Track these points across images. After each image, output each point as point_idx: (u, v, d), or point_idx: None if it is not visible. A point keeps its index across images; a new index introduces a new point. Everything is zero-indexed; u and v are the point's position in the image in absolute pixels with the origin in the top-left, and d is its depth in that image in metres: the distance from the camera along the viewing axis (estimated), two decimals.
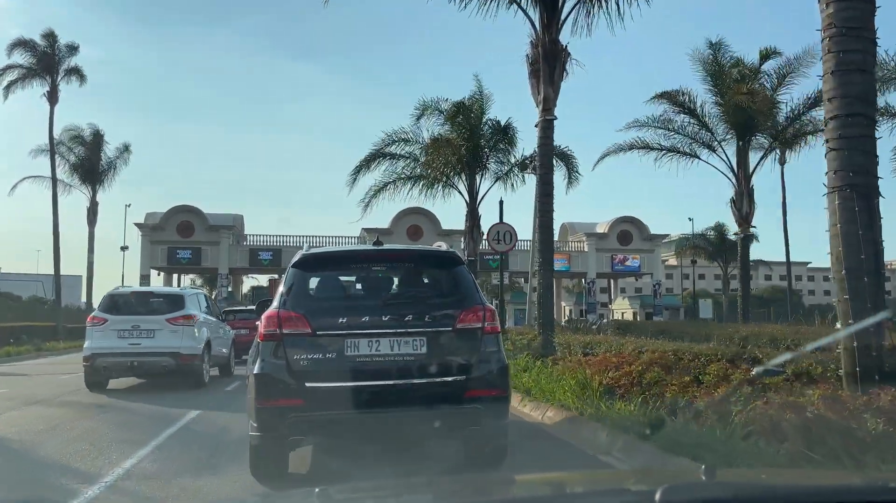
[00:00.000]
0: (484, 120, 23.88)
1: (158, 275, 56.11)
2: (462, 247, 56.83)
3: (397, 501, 2.21)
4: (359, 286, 6.35)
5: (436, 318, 5.51)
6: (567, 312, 62.12)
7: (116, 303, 12.94)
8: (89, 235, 41.34)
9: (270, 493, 5.03)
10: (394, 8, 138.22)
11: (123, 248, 50.41)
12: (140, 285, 51.77)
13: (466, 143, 22.79)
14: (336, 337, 5.33)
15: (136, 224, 51.61)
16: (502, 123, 23.72)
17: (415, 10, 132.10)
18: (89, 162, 40.63)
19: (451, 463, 6.08)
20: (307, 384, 5.21)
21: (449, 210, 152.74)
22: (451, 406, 5.40)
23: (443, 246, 7.27)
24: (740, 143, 24.16)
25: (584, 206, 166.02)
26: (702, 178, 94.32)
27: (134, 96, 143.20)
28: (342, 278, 6.25)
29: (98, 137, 41.19)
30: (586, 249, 56.78)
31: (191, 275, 68.89)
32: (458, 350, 5.52)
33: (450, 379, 5.40)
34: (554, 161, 16.58)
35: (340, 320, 5.37)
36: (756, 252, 54.54)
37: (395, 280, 6.32)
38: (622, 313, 60.43)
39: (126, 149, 42.05)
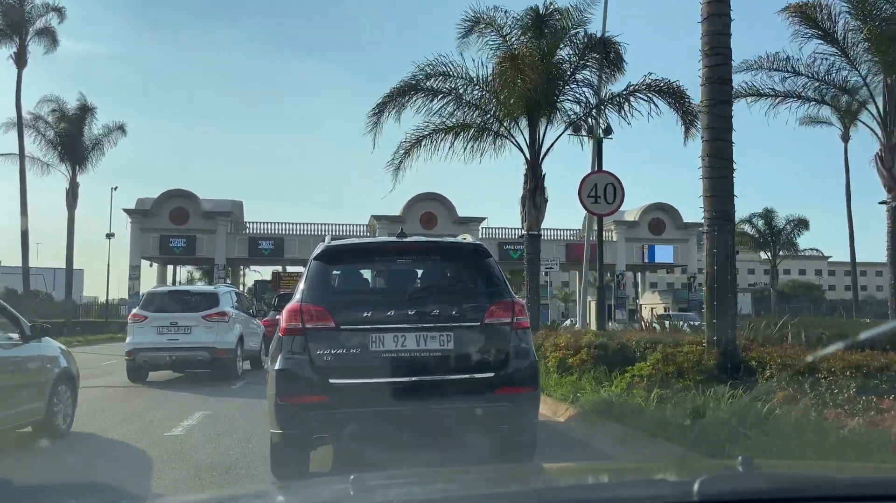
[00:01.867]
0: (569, 35, 16.38)
1: (150, 265, 51.89)
2: (477, 235, 52.57)
3: (430, 488, 2.18)
4: (383, 279, 6.22)
5: (463, 313, 5.38)
6: (592, 308, 57.55)
7: (156, 301, 13.69)
8: (68, 220, 37.12)
9: (305, 480, 5.03)
10: (399, 5, 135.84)
11: (109, 236, 46.27)
12: (130, 277, 47.99)
13: (540, 66, 15.24)
14: (360, 331, 5.22)
15: (126, 210, 47.34)
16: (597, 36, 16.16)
17: (421, 7, 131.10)
18: (70, 139, 36.40)
19: (477, 459, 6.00)
20: (331, 380, 5.12)
21: (465, 195, 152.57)
22: (480, 403, 5.29)
23: (468, 238, 6.85)
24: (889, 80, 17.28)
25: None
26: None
27: (139, 93, 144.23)
28: (366, 271, 6.19)
29: (84, 111, 36.97)
30: (615, 238, 52.16)
31: (188, 267, 64.77)
32: (487, 346, 5.40)
33: (479, 375, 5.27)
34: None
35: (365, 314, 5.26)
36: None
37: (420, 273, 6.12)
38: (651, 309, 55.81)
39: (120, 128, 37.92)
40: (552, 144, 16.88)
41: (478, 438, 5.98)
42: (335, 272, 5.80)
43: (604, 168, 15.37)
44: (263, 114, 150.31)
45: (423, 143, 16.46)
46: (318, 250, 5.72)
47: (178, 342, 13.06)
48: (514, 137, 16.68)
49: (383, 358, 5.14)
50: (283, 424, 5.15)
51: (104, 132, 37.47)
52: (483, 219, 51.46)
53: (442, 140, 16.49)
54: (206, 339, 13.06)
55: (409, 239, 6.10)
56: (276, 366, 5.19)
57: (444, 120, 16.43)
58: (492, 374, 5.25)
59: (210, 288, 16.29)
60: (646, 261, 52.54)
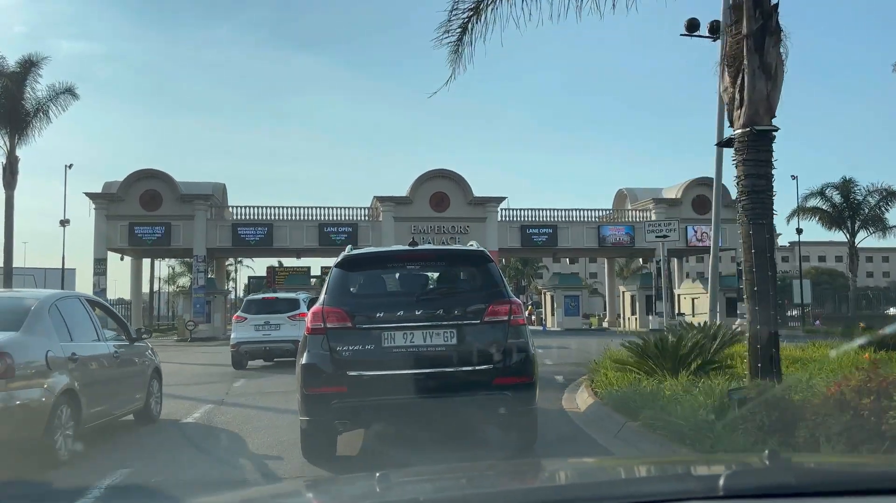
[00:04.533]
0: None
1: (122, 259, 45.27)
2: (496, 218, 45.89)
3: (456, 484, 2.22)
4: (395, 283, 6.70)
5: (465, 312, 6.00)
6: (629, 301, 50.79)
7: (253, 306, 17.83)
8: (7, 200, 30.46)
9: (333, 477, 5.23)
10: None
11: (63, 223, 39.40)
12: (94, 272, 41.29)
13: None
14: (374, 330, 5.88)
15: (89, 195, 40.61)
16: None
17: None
18: (9, 99, 29.78)
19: (487, 446, 6.77)
20: (349, 373, 5.79)
21: (481, 172, 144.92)
22: (481, 392, 5.88)
23: (474, 244, 7.25)
24: None
25: (643, 170, 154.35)
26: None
27: (135, 91, 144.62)
28: (380, 276, 6.70)
29: (27, 68, 30.31)
30: (654, 219, 45.49)
31: (168, 261, 58.06)
32: (487, 341, 5.96)
33: (479, 367, 5.87)
34: None
35: (378, 314, 5.94)
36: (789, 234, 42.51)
37: (428, 277, 6.63)
38: (693, 300, 49.19)
39: (68, 91, 31.30)
40: None
41: (482, 424, 6.74)
42: (353, 278, 6.40)
43: None
44: (262, 110, 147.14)
45: None
46: (338, 259, 6.48)
47: (270, 336, 16.60)
48: None
49: (394, 353, 5.82)
50: (309, 412, 5.90)
51: (50, 94, 30.81)
52: (502, 199, 44.73)
53: None
54: (292, 334, 15.55)
55: (419, 247, 6.90)
56: (303, 361, 5.95)
57: None
58: (490, 366, 5.88)
59: (293, 295, 19.28)
60: (689, 244, 45.88)
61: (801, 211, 37.19)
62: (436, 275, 6.71)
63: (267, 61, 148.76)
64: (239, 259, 77.88)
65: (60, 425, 6.32)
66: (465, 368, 5.84)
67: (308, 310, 15.86)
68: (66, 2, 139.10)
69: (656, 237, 22.02)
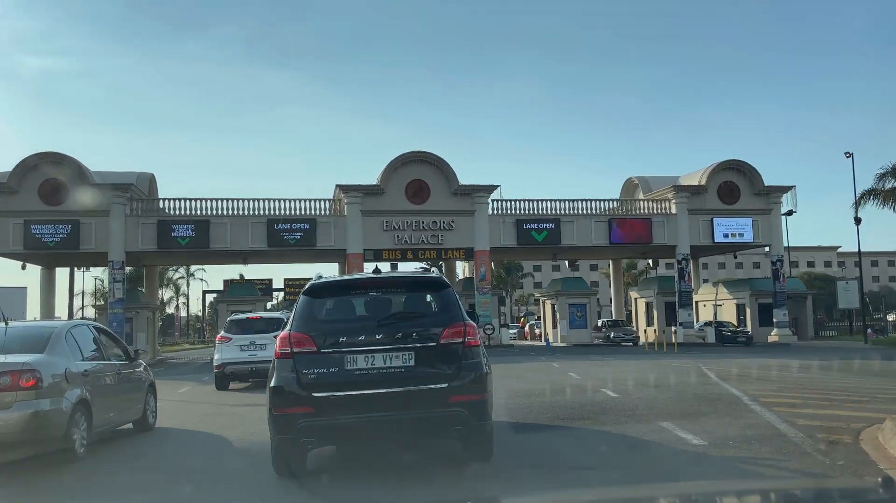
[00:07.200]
0: None
1: (23, 267, 36.39)
2: (487, 210, 38.05)
3: None
4: (358, 309, 6.92)
5: (422, 335, 6.30)
6: (643, 310, 43.00)
7: (237, 326, 17.28)
8: None
9: None
10: (370, 15, 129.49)
11: None
12: None
13: None
14: (338, 353, 6.20)
15: None
16: None
17: (392, 17, 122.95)
18: None
19: (448, 458, 7.03)
20: (314, 394, 6.10)
21: (468, 155, 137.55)
22: (438, 409, 6.16)
23: (434, 271, 7.59)
24: None
25: (659, 156, 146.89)
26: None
27: (109, 107, 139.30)
28: (344, 302, 6.91)
29: None
30: (674, 210, 38.02)
31: (92, 271, 49.10)
32: (443, 362, 6.25)
33: (436, 386, 6.15)
34: None
35: (341, 339, 6.25)
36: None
37: (390, 302, 6.88)
38: (717, 306, 41.74)
39: None
40: None
41: (441, 439, 6.85)
42: (319, 304, 6.71)
43: None
44: (231, 126, 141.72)
45: None
46: (305, 287, 6.88)
47: (256, 356, 16.12)
48: None
49: (357, 374, 6.15)
50: (278, 431, 6.20)
51: None
52: (494, 187, 36.79)
53: None
54: None
55: (381, 275, 7.15)
56: (271, 384, 6.25)
57: None
58: (446, 385, 6.16)
59: (277, 314, 20.41)
60: (715, 240, 38.47)
61: (871, 194, 29.75)
62: (397, 300, 6.95)
63: (240, 77, 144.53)
64: (184, 267, 68.98)
65: (77, 428, 7.68)
66: (422, 387, 6.11)
67: None
68: (32, 18, 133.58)
69: None
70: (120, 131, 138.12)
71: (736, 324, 39.09)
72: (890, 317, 56.46)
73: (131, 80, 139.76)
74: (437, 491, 5.93)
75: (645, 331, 39.02)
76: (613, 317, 43.35)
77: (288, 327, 6.42)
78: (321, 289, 6.76)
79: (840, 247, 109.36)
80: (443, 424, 6.27)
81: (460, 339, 6.26)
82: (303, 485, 6.28)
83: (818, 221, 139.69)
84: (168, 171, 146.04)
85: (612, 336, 37.32)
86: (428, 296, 6.85)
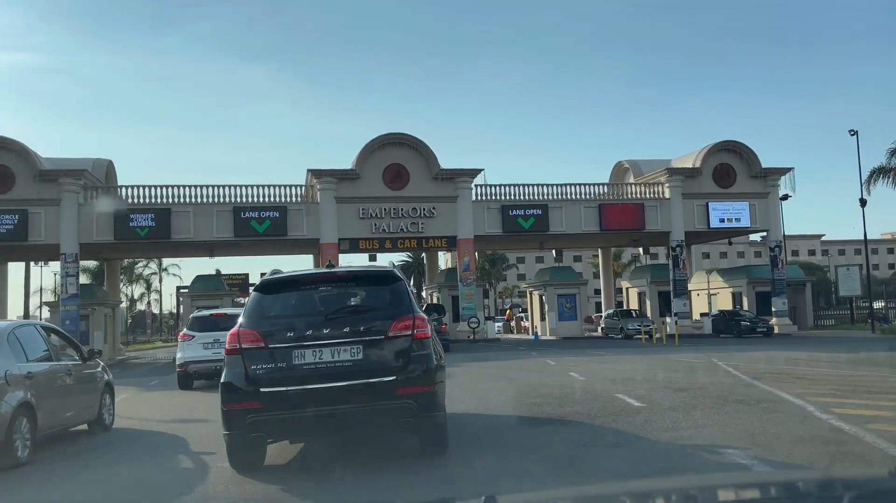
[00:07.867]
0: None
1: None
2: (470, 195, 35.72)
3: None
4: (309, 304, 6.85)
5: (370, 328, 6.31)
6: (635, 300, 41.04)
7: (200, 323, 16.86)
8: None
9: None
10: (348, 10, 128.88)
11: None
12: None
13: None
14: (285, 348, 6.22)
15: None
16: None
17: (369, 5, 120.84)
18: None
19: (403, 450, 7.01)
20: (262, 389, 6.13)
21: (449, 143, 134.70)
22: (386, 402, 6.19)
23: (387, 265, 7.58)
24: None
25: (649, 142, 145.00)
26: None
27: (85, 103, 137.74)
28: (295, 298, 6.88)
29: None
30: (667, 195, 35.98)
31: (51, 266, 46.21)
32: (391, 354, 6.28)
33: (384, 379, 6.16)
34: None
35: (289, 334, 6.26)
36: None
37: (340, 296, 6.88)
38: (711, 295, 39.85)
39: None
40: None
41: (394, 432, 6.91)
42: (269, 300, 6.71)
43: None
44: (213, 119, 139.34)
45: None
46: (257, 283, 6.98)
47: (220, 355, 13.57)
48: None
49: (305, 369, 6.18)
50: (229, 426, 6.28)
51: None
52: (477, 171, 34.47)
53: None
54: None
55: (333, 270, 7.27)
56: (222, 380, 6.32)
57: None
58: (394, 378, 6.16)
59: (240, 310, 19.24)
60: (710, 225, 36.51)
61: (882, 172, 27.82)
62: (348, 294, 6.95)
63: (214, 73, 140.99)
64: (155, 261, 66.12)
65: (19, 432, 7.55)
66: (370, 380, 6.13)
67: None
68: (10, 14, 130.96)
69: None
70: (94, 127, 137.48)
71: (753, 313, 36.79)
72: (876, 305, 54.94)
73: (107, 76, 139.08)
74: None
75: None
76: (624, 307, 41.24)
77: (238, 323, 6.47)
78: (272, 285, 6.78)
79: (824, 235, 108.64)
80: (391, 417, 6.30)
81: (409, 332, 6.29)
82: (258, 478, 6.20)
83: (798, 209, 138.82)
84: (135, 166, 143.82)
85: (627, 328, 34.28)
86: (379, 289, 6.82)
